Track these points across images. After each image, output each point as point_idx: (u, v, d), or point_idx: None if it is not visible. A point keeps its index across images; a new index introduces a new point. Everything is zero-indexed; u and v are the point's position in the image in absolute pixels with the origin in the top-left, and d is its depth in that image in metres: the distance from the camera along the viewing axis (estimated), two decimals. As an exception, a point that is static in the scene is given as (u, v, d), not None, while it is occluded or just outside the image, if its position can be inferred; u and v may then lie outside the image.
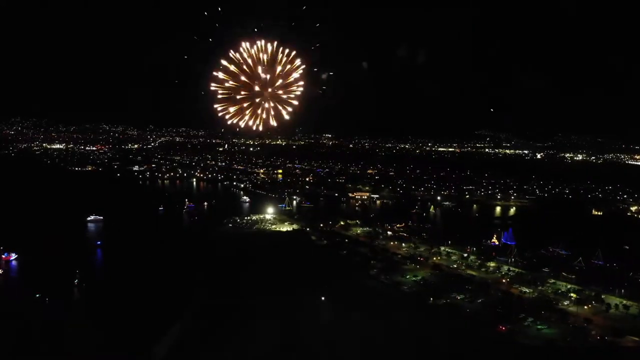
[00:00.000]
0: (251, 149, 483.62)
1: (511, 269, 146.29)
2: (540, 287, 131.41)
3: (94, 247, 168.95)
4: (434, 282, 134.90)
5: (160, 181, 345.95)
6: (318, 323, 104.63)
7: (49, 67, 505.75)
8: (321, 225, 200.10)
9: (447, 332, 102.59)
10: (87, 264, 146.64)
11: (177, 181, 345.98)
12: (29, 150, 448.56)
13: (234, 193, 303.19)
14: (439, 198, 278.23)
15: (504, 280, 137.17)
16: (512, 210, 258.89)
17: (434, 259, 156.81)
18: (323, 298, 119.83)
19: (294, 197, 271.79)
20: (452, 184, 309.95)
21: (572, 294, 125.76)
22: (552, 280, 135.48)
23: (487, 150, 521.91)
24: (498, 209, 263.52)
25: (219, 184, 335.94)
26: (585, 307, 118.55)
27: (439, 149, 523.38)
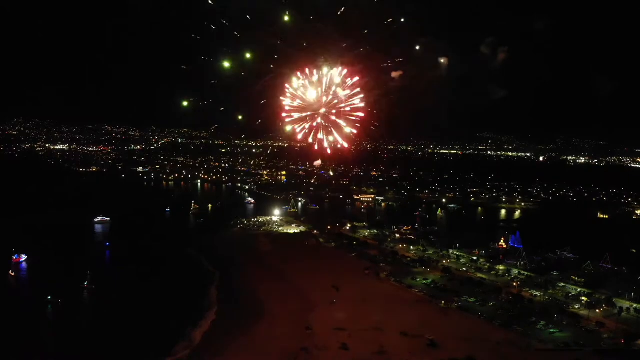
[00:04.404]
0: (254, 150, 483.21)
1: (521, 272, 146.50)
2: (550, 291, 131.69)
3: (103, 248, 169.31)
4: (444, 285, 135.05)
5: (164, 182, 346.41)
6: (329, 325, 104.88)
7: (51, 68, 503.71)
8: (328, 227, 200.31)
9: (459, 335, 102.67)
10: (97, 265, 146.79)
11: (182, 182, 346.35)
12: (33, 150, 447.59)
13: (239, 194, 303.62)
14: (443, 200, 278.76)
15: (514, 284, 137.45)
16: (518, 213, 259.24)
17: (444, 261, 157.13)
18: (335, 300, 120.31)
19: (299, 199, 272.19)
20: (456, 187, 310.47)
21: (583, 298, 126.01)
22: (562, 284, 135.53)
23: (489, 152, 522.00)
24: (503, 211, 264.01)
25: (223, 185, 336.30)
26: (597, 310, 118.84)
27: (442, 151, 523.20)
